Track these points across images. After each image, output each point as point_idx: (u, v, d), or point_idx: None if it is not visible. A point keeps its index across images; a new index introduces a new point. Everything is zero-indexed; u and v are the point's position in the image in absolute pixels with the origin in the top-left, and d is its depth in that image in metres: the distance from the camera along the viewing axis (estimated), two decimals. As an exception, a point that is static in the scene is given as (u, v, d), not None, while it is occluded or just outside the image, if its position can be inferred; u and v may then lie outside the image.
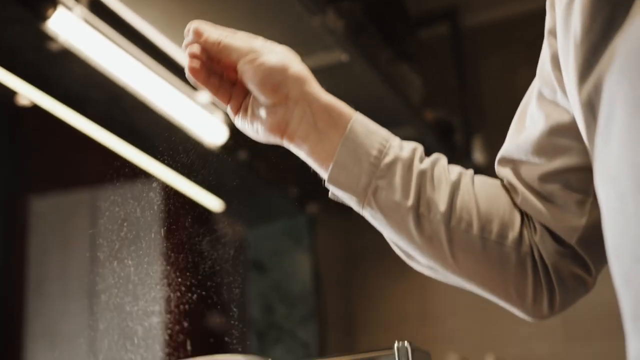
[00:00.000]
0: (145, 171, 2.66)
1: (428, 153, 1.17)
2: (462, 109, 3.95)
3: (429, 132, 3.59)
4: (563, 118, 1.08)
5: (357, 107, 1.15)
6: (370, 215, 1.13)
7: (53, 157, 3.58)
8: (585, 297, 1.16)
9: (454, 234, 1.11)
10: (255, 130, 1.15)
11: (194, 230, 1.95)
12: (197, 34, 1.13)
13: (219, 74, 1.15)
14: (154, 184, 1.83)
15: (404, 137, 1.16)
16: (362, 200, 1.12)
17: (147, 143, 2.74)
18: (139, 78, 2.72)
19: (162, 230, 1.93)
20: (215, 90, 1.16)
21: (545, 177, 1.11)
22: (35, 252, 3.59)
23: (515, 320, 1.19)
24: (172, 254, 2.06)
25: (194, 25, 1.14)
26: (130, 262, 3.27)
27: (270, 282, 3.62)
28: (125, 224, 1.91)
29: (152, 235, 2.08)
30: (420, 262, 1.16)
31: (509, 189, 1.16)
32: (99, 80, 2.60)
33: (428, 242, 1.12)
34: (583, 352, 3.51)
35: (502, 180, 1.18)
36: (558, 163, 1.10)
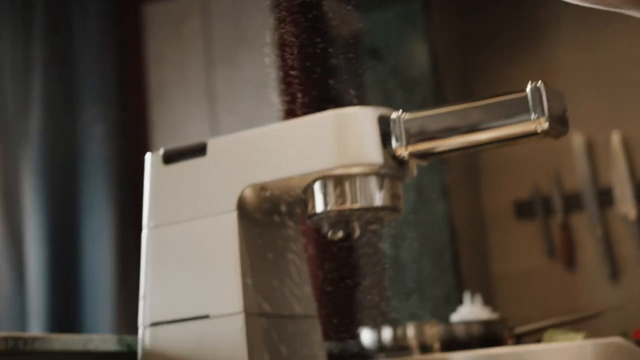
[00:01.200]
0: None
1: None
2: None
3: None
4: None
5: None
6: None
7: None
8: None
9: None
10: None
11: (308, 21, 1.91)
12: None
13: None
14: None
15: None
16: None
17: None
18: None
19: (277, 26, 1.91)
20: None
21: None
22: (153, 58, 3.62)
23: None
24: (288, 50, 2.04)
25: None
26: (246, 64, 3.28)
27: (387, 68, 3.58)
28: (238, 25, 1.88)
29: (266, 34, 2.05)
30: None
31: None
32: None
33: None
34: None
35: None
36: None
